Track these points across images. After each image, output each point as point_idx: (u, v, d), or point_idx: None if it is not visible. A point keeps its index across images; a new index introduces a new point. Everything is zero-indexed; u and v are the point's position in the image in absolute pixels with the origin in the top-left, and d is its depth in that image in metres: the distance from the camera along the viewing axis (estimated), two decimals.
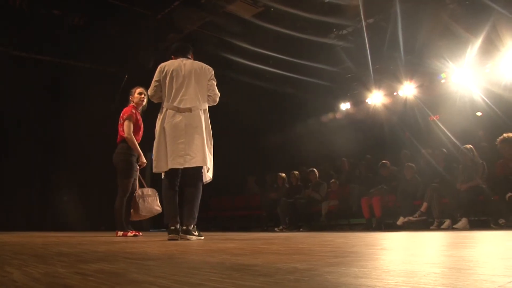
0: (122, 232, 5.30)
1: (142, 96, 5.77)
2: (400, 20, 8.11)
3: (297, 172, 9.92)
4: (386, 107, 10.96)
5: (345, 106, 12.00)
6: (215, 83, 4.11)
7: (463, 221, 6.56)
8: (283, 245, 2.83)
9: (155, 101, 4.12)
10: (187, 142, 3.78)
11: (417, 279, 1.06)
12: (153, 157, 3.91)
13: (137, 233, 5.40)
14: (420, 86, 10.13)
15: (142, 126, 5.81)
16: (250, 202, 11.10)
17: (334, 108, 12.19)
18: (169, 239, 3.70)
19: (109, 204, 10.33)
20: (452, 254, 1.91)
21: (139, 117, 5.74)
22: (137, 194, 5.57)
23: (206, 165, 3.88)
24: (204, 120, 3.94)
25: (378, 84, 10.80)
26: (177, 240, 3.68)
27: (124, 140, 5.67)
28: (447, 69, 9.17)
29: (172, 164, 3.78)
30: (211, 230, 9.62)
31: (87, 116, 8.87)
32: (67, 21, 8.71)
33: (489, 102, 8.30)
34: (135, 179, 5.65)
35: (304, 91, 11.60)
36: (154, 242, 3.38)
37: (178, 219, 3.87)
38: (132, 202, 5.52)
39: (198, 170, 3.87)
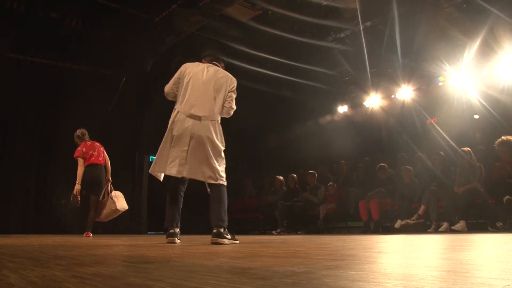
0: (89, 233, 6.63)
1: None
2: (397, 23, 8.13)
3: (294, 175, 9.93)
4: (383, 110, 10.97)
5: (342, 109, 12.01)
6: (235, 96, 3.94)
7: (461, 224, 6.57)
8: (281, 248, 2.82)
9: (169, 99, 4.02)
10: (190, 151, 3.66)
11: (414, 283, 1.06)
12: (156, 157, 3.83)
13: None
14: (418, 89, 10.14)
15: None
16: (247, 205, 11.10)
17: (331, 111, 12.20)
18: (167, 243, 3.66)
19: None
20: (449, 257, 1.91)
21: None
22: (110, 195, 7.05)
23: (212, 181, 3.71)
24: (214, 131, 3.76)
25: (376, 87, 10.81)
26: (176, 243, 3.63)
27: (103, 165, 7.13)
28: (444, 72, 9.19)
29: (172, 171, 3.69)
30: (209, 233, 9.59)
31: (84, 118, 8.86)
32: (64, 24, 8.71)
33: (486, 105, 8.32)
34: None
35: (302, 94, 11.61)
36: (151, 245, 3.38)
37: (178, 223, 3.82)
38: (101, 203, 6.98)
39: (216, 173, 3.75)
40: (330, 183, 9.32)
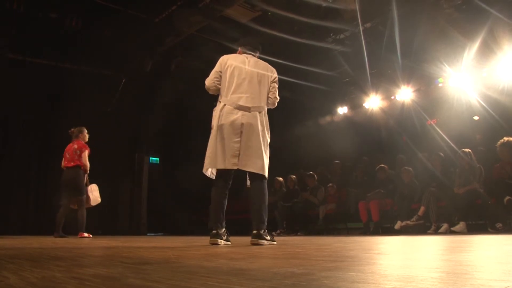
0: (86, 234, 6.92)
1: (88, 135, 7.46)
2: (397, 24, 8.12)
3: (294, 176, 9.92)
4: (383, 111, 10.96)
5: (342, 110, 12.01)
6: (277, 86, 3.96)
7: (461, 225, 6.57)
8: (280, 249, 2.82)
9: (212, 93, 3.95)
10: (243, 142, 3.62)
11: (414, 284, 1.06)
12: (207, 153, 3.74)
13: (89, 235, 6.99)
14: (417, 90, 10.14)
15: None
16: (247, 206, 11.06)
17: (331, 112, 12.19)
18: (210, 243, 3.53)
19: (106, 208, 10.29)
20: (449, 259, 1.91)
21: None
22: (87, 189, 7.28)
23: (263, 172, 3.70)
24: (261, 121, 3.76)
25: (376, 88, 10.80)
26: (219, 245, 3.50)
27: (79, 166, 7.10)
28: (444, 73, 9.19)
29: (227, 164, 3.62)
30: (207, 234, 9.58)
31: (84, 119, 8.87)
32: (64, 24, 8.71)
33: (486, 106, 8.31)
34: None
35: (302, 95, 11.61)
36: (151, 247, 3.37)
37: (223, 223, 3.71)
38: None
39: (264, 164, 3.72)
40: (330, 184, 9.32)
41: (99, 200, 7.43)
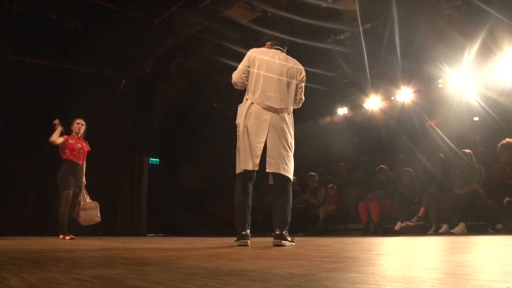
0: (63, 236, 6.28)
1: (80, 125, 7.01)
2: (397, 25, 8.13)
3: (294, 177, 9.90)
4: (383, 111, 10.96)
5: (342, 110, 12.01)
6: (304, 86, 3.85)
7: (461, 226, 6.56)
8: (280, 250, 2.82)
9: (238, 88, 3.82)
10: (268, 143, 3.52)
11: (414, 285, 1.06)
12: (238, 154, 3.67)
13: (73, 237, 6.34)
14: (417, 91, 10.14)
15: (74, 147, 6.84)
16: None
17: (331, 112, 12.19)
18: (239, 245, 3.43)
19: (107, 209, 10.27)
20: (449, 259, 1.91)
21: (71, 141, 6.80)
22: (80, 206, 6.66)
23: (287, 174, 3.62)
24: (289, 123, 3.69)
25: (376, 89, 10.80)
26: (248, 246, 3.42)
27: (63, 160, 6.69)
28: (444, 74, 9.19)
29: (250, 165, 3.54)
30: (208, 235, 9.59)
31: (84, 119, 8.87)
32: (64, 25, 8.71)
33: (486, 107, 8.31)
34: (75, 193, 6.66)
35: None
36: (151, 248, 3.37)
37: (249, 225, 3.62)
38: (76, 212, 6.66)
39: (289, 166, 3.64)
40: (330, 185, 9.30)
41: (95, 219, 6.84)
